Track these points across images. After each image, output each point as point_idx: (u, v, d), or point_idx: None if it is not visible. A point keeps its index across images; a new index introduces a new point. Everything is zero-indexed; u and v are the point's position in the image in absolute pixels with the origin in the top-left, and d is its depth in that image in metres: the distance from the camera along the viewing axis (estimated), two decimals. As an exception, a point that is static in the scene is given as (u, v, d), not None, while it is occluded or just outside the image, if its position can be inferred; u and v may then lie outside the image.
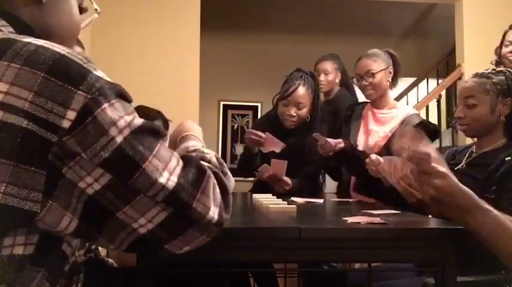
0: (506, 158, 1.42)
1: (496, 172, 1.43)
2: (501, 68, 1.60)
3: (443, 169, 0.98)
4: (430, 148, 1.00)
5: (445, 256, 1.01)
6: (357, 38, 5.30)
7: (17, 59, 0.62)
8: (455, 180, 0.98)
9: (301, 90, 2.22)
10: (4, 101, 0.60)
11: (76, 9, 0.83)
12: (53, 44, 0.66)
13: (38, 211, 0.61)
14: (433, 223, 1.16)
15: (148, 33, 3.57)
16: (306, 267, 1.66)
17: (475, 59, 3.99)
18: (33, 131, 0.60)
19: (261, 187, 2.20)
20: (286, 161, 2.05)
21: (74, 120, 0.61)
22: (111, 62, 3.44)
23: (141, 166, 0.64)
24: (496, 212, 0.97)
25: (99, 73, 0.66)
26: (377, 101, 2.19)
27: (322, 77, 2.87)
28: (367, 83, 2.14)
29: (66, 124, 0.61)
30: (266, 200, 1.59)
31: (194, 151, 0.85)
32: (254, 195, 1.81)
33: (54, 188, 0.62)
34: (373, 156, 1.81)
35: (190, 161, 0.72)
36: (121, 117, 0.65)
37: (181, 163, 0.70)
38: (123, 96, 0.68)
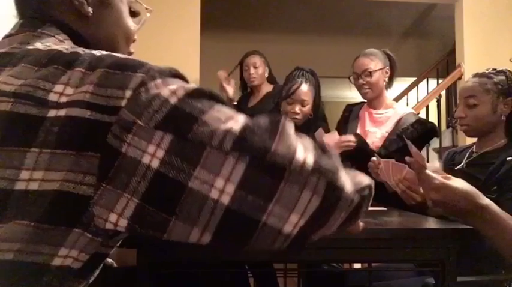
0: (508, 158, 1.42)
1: (497, 172, 1.43)
2: (501, 68, 1.60)
3: (437, 181, 1.01)
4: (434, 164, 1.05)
5: (445, 256, 1.01)
6: (357, 38, 5.30)
7: (81, 65, 0.63)
8: (455, 185, 1.00)
9: (304, 87, 2.23)
10: (69, 99, 0.60)
11: (126, 15, 0.83)
12: (110, 53, 0.67)
13: (92, 194, 0.58)
14: (433, 223, 1.16)
15: (148, 33, 3.56)
16: (306, 267, 1.66)
17: (475, 59, 3.99)
18: (95, 119, 0.58)
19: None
20: None
21: (129, 97, 0.59)
22: (111, 62, 3.45)
23: (200, 118, 0.57)
24: (496, 207, 1.00)
25: (152, 65, 0.65)
26: (373, 101, 2.19)
27: (252, 71, 2.94)
28: (364, 82, 2.14)
29: (124, 103, 0.59)
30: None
31: None
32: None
33: (108, 170, 0.58)
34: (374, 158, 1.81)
35: (259, 117, 0.61)
36: (175, 83, 0.62)
37: (245, 117, 0.61)
38: (181, 76, 0.65)
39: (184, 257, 0.76)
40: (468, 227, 1.03)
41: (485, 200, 1.00)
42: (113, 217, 0.59)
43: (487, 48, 3.98)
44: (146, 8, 0.97)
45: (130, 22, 0.85)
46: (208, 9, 3.97)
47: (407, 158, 1.11)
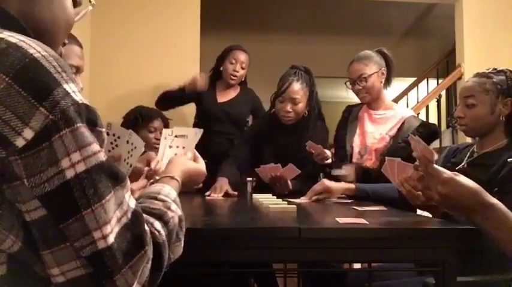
0: (509, 159, 1.41)
1: (499, 173, 1.42)
2: (502, 68, 1.59)
3: (446, 175, 1.00)
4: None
5: (445, 256, 1.01)
6: (357, 38, 5.29)
7: None
8: (461, 181, 1.00)
9: (295, 85, 2.22)
10: None
11: (69, 2, 0.78)
12: (30, 42, 0.60)
13: None
14: (433, 223, 1.16)
15: (149, 33, 3.56)
16: (306, 267, 1.66)
17: (475, 59, 3.99)
18: None
19: (262, 187, 2.20)
20: (299, 171, 2.04)
21: (29, 140, 0.55)
22: (111, 62, 3.44)
23: (81, 211, 0.57)
24: (502, 206, 0.99)
25: (70, 87, 0.59)
26: (372, 103, 2.19)
27: (238, 68, 2.83)
28: (361, 87, 2.13)
29: (19, 143, 0.54)
30: (266, 200, 1.59)
31: (163, 201, 0.75)
32: (254, 195, 1.81)
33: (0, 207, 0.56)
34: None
35: (136, 222, 0.63)
36: (79, 148, 0.57)
37: (124, 219, 0.62)
38: (91, 120, 0.60)
39: (184, 257, 0.76)
40: (468, 227, 1.03)
41: (492, 199, 1.00)
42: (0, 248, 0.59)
43: (487, 48, 3.98)
44: (90, 1, 0.93)
45: (73, 10, 0.79)
46: (208, 9, 3.97)
47: (414, 154, 1.11)
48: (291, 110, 2.22)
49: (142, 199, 0.76)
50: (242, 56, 2.85)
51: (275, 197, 1.74)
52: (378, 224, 1.11)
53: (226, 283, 1.66)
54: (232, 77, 2.83)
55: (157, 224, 0.69)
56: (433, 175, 1.03)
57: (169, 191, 0.80)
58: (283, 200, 1.59)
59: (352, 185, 1.91)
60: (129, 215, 0.63)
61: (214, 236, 0.93)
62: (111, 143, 1.11)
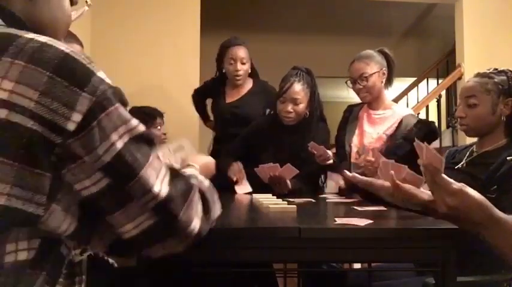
0: (508, 158, 1.41)
1: (497, 171, 1.42)
2: (503, 68, 1.59)
3: (456, 185, 0.95)
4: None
5: (445, 256, 1.01)
6: (357, 38, 5.29)
7: (21, 56, 0.61)
8: (471, 193, 0.95)
9: (296, 86, 2.22)
10: (10, 99, 0.59)
11: (67, 2, 0.82)
12: (55, 41, 0.66)
13: (42, 213, 0.61)
14: (433, 223, 1.16)
15: (149, 33, 3.56)
16: (306, 267, 1.66)
17: (475, 59, 3.99)
18: (38, 131, 0.59)
19: (262, 187, 2.20)
20: (297, 171, 2.04)
21: (79, 122, 0.61)
22: (111, 62, 3.44)
23: (137, 173, 0.66)
24: (510, 221, 0.95)
25: (101, 75, 0.66)
26: (373, 102, 2.19)
27: (239, 67, 2.65)
28: (361, 87, 2.13)
29: (71, 126, 0.61)
30: (266, 200, 1.59)
31: (190, 172, 0.87)
32: (254, 195, 1.81)
33: (58, 191, 0.62)
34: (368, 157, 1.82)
35: (176, 173, 0.74)
36: (123, 123, 0.66)
37: (168, 173, 0.72)
38: (122, 100, 0.69)
39: (184, 257, 0.76)
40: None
41: (499, 213, 0.95)
42: (57, 232, 0.65)
43: (487, 48, 3.98)
44: (86, 1, 0.96)
45: (70, 10, 0.84)
46: (208, 9, 3.97)
47: (419, 161, 1.06)
48: (292, 110, 2.22)
49: None
50: (240, 52, 2.67)
51: (275, 197, 1.74)
52: (377, 224, 1.11)
53: (226, 283, 1.66)
54: (236, 77, 2.68)
55: (194, 179, 0.79)
56: (441, 186, 0.96)
57: (191, 171, 0.91)
58: (283, 200, 1.59)
59: None
60: (168, 169, 0.73)
61: (214, 236, 0.93)
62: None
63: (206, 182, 0.84)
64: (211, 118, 3.02)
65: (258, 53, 5.76)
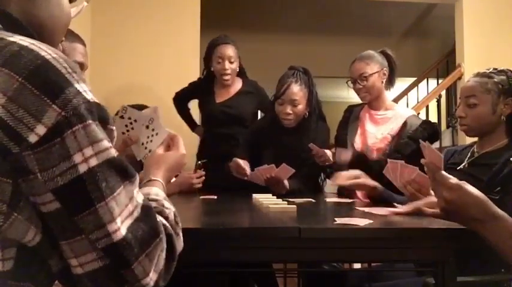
0: (511, 159, 1.41)
1: (500, 172, 1.42)
2: (503, 68, 1.59)
3: (454, 180, 0.96)
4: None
5: (445, 256, 1.01)
6: (357, 38, 5.30)
7: None
8: (470, 189, 0.95)
9: (294, 87, 2.21)
10: None
11: (66, 1, 0.80)
12: (41, 45, 0.62)
13: (1, 223, 0.57)
14: (433, 223, 1.16)
15: (149, 33, 3.56)
16: (306, 267, 1.66)
17: (475, 59, 3.99)
18: (1, 141, 0.56)
19: (262, 187, 2.20)
20: (293, 170, 2.03)
21: (42, 136, 0.57)
22: (111, 62, 3.44)
23: (94, 205, 0.59)
24: (509, 218, 0.95)
25: (81, 87, 0.61)
26: (373, 102, 2.19)
27: (227, 65, 2.61)
28: (361, 87, 2.14)
29: (32, 138, 0.56)
30: (266, 200, 1.59)
31: (155, 200, 0.78)
32: (254, 195, 1.81)
33: (19, 200, 0.58)
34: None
35: (147, 214, 0.66)
36: (91, 143, 0.60)
37: (136, 213, 0.64)
38: (102, 118, 0.63)
39: (184, 257, 0.76)
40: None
41: (499, 210, 0.95)
42: (23, 242, 0.60)
43: (487, 48, 3.98)
44: None
45: (69, 8, 0.81)
46: (208, 9, 3.97)
47: (422, 161, 1.07)
48: (291, 112, 2.22)
49: None
50: (227, 50, 2.62)
51: (275, 197, 1.74)
52: (378, 224, 1.11)
53: (226, 283, 1.66)
54: (224, 77, 2.64)
55: (161, 219, 0.71)
56: (440, 181, 0.98)
57: (157, 192, 0.83)
58: (283, 200, 1.59)
59: None
60: (139, 209, 0.65)
61: (214, 236, 0.93)
62: (126, 125, 1.12)
63: (172, 214, 0.76)
64: (198, 122, 3.03)
65: (258, 53, 5.80)
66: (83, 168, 0.59)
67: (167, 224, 0.71)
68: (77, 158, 0.58)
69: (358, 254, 1.07)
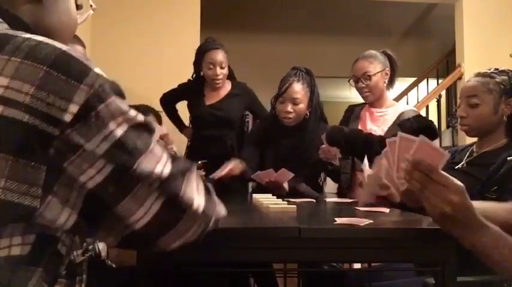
0: (508, 158, 1.41)
1: (497, 171, 1.42)
2: (504, 68, 1.60)
3: (459, 182, 0.88)
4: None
5: (445, 256, 1.01)
6: (357, 38, 5.30)
7: (18, 53, 0.62)
8: (467, 195, 0.89)
9: (296, 86, 2.21)
10: (4, 95, 0.59)
11: (73, 6, 0.83)
12: (53, 41, 0.66)
13: (38, 206, 0.61)
14: (433, 223, 1.16)
15: (149, 33, 3.57)
16: (306, 267, 1.66)
17: (475, 59, 3.99)
18: (34, 125, 0.59)
19: (262, 187, 2.20)
20: (293, 175, 2.03)
21: (76, 113, 0.61)
22: (111, 62, 3.44)
23: (139, 158, 0.66)
24: (496, 228, 0.91)
25: (98, 70, 0.67)
26: (375, 102, 2.19)
27: (218, 71, 2.64)
28: (364, 86, 2.14)
29: (67, 118, 0.61)
30: (266, 200, 1.59)
31: None
32: (254, 195, 1.81)
33: (54, 183, 0.62)
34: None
35: (178, 159, 0.75)
36: (121, 113, 0.66)
37: (170, 159, 0.73)
38: (120, 93, 0.69)
39: (184, 257, 0.76)
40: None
41: (486, 221, 0.91)
42: (54, 226, 0.64)
43: (487, 48, 3.98)
44: (91, 6, 0.97)
45: (76, 14, 0.85)
46: (208, 9, 3.97)
47: (407, 156, 1.00)
48: (291, 110, 2.22)
49: None
50: (218, 56, 2.66)
51: (275, 197, 1.74)
52: (377, 224, 1.11)
53: (226, 283, 1.66)
54: (215, 82, 2.68)
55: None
56: (441, 183, 0.88)
57: None
58: (283, 200, 1.59)
59: None
60: (169, 155, 0.74)
61: (214, 236, 0.93)
62: None
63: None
64: (185, 122, 3.03)
65: (258, 53, 5.80)
66: (119, 132, 0.65)
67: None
68: (112, 125, 0.65)
69: (358, 254, 1.07)
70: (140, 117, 0.70)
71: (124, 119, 0.66)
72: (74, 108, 0.61)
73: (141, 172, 0.66)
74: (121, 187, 0.66)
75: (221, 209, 0.85)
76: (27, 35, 0.66)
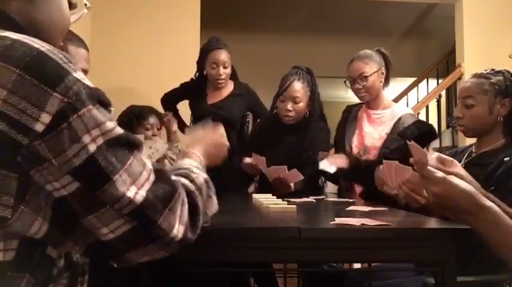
0: (505, 158, 1.41)
1: (495, 172, 1.43)
2: (500, 69, 1.60)
3: (440, 174, 0.99)
4: (430, 155, 1.04)
5: (445, 256, 1.01)
6: (357, 38, 5.29)
7: None
8: (455, 182, 0.98)
9: (296, 84, 2.22)
10: None
11: (66, 5, 0.80)
12: (33, 39, 0.63)
13: (9, 216, 0.58)
14: (433, 223, 1.16)
15: (149, 33, 3.57)
16: (306, 267, 1.66)
17: (475, 59, 3.99)
18: (4, 131, 0.57)
19: (262, 188, 2.20)
20: (302, 177, 2.03)
21: (48, 124, 0.58)
22: (111, 62, 3.44)
23: (111, 178, 0.62)
24: (497, 209, 0.97)
25: (78, 75, 0.63)
26: (371, 102, 2.19)
27: (221, 71, 2.65)
28: (360, 87, 2.13)
29: (39, 127, 0.58)
30: (266, 200, 1.59)
31: (185, 169, 0.82)
32: (254, 195, 1.81)
33: (26, 192, 0.59)
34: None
35: (162, 176, 0.70)
36: (96, 125, 0.62)
37: (152, 177, 0.68)
38: (101, 101, 0.65)
39: (184, 257, 0.76)
40: (468, 227, 1.03)
41: (487, 201, 0.97)
42: (28, 235, 0.62)
43: (487, 48, 3.98)
44: (85, 4, 0.94)
45: (69, 12, 0.82)
46: (208, 9, 3.97)
47: (411, 160, 1.10)
48: (291, 109, 2.22)
49: None
50: (221, 56, 2.66)
51: (275, 197, 1.74)
52: (377, 224, 1.11)
53: (226, 283, 1.66)
54: (218, 81, 2.69)
55: (184, 180, 0.76)
56: (427, 176, 1.01)
57: (190, 162, 0.88)
58: (283, 200, 1.59)
59: None
60: (153, 172, 0.69)
61: (214, 236, 0.93)
62: None
63: (201, 178, 0.81)
64: (186, 122, 3.02)
65: (258, 53, 5.80)
66: (92, 147, 0.61)
67: (188, 183, 0.75)
68: (86, 139, 0.61)
69: (358, 254, 1.07)
70: (118, 131, 0.65)
71: (100, 132, 0.62)
72: (46, 118, 0.58)
73: (109, 195, 0.62)
74: (86, 206, 0.63)
75: (211, 208, 0.83)
76: (5, 33, 0.63)
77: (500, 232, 0.95)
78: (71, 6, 0.83)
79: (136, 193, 0.64)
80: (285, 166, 2.03)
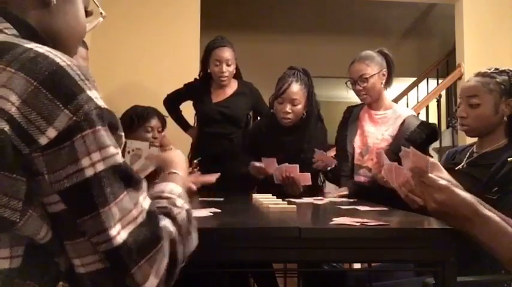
0: (509, 159, 1.41)
1: (498, 172, 1.42)
2: (504, 68, 1.59)
3: (443, 182, 1.00)
4: (431, 162, 1.05)
5: (445, 256, 1.01)
6: (357, 38, 5.29)
7: (14, 64, 0.60)
8: (457, 190, 0.99)
9: (295, 86, 2.21)
10: None
11: (82, 13, 0.82)
12: (56, 53, 0.64)
13: (18, 220, 0.59)
14: (433, 223, 1.16)
15: (149, 33, 3.56)
16: (306, 267, 1.66)
17: (475, 59, 3.99)
18: (10, 136, 0.57)
19: (262, 188, 2.20)
20: (310, 183, 2.04)
21: (52, 139, 0.59)
22: (111, 62, 3.44)
23: (97, 209, 0.61)
24: (496, 218, 0.98)
25: (92, 93, 0.63)
26: (373, 103, 2.19)
27: (224, 69, 2.66)
28: (361, 88, 2.13)
29: (43, 141, 0.58)
30: (266, 200, 1.59)
31: (167, 198, 0.78)
32: (254, 195, 1.81)
33: (34, 196, 0.60)
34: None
35: (150, 221, 0.66)
36: (98, 148, 0.61)
37: (140, 219, 0.65)
38: (111, 124, 0.65)
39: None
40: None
41: (487, 211, 0.99)
42: (36, 239, 0.62)
43: (487, 48, 3.98)
44: (101, 13, 0.96)
45: (85, 21, 0.83)
46: (208, 9, 3.97)
47: (407, 167, 1.11)
48: (290, 111, 2.22)
49: None
50: (225, 53, 2.68)
51: (275, 197, 1.74)
52: (377, 224, 1.11)
53: (226, 283, 1.66)
54: (221, 79, 2.70)
55: (168, 224, 0.71)
56: (429, 184, 1.02)
57: (172, 188, 0.82)
58: (283, 200, 1.59)
59: None
60: (144, 215, 0.65)
61: (214, 236, 0.93)
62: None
63: (183, 213, 0.76)
64: (190, 122, 3.03)
65: (258, 53, 5.79)
66: (89, 172, 0.60)
67: (171, 229, 0.70)
68: (85, 162, 0.60)
69: (358, 254, 1.07)
70: (119, 159, 0.64)
71: (100, 156, 0.61)
72: (52, 133, 0.58)
73: (90, 226, 0.60)
74: (64, 231, 0.62)
75: (190, 246, 0.76)
76: (30, 45, 0.64)
77: (500, 239, 0.96)
78: (87, 14, 0.84)
79: (119, 232, 0.61)
80: (297, 165, 2.03)
